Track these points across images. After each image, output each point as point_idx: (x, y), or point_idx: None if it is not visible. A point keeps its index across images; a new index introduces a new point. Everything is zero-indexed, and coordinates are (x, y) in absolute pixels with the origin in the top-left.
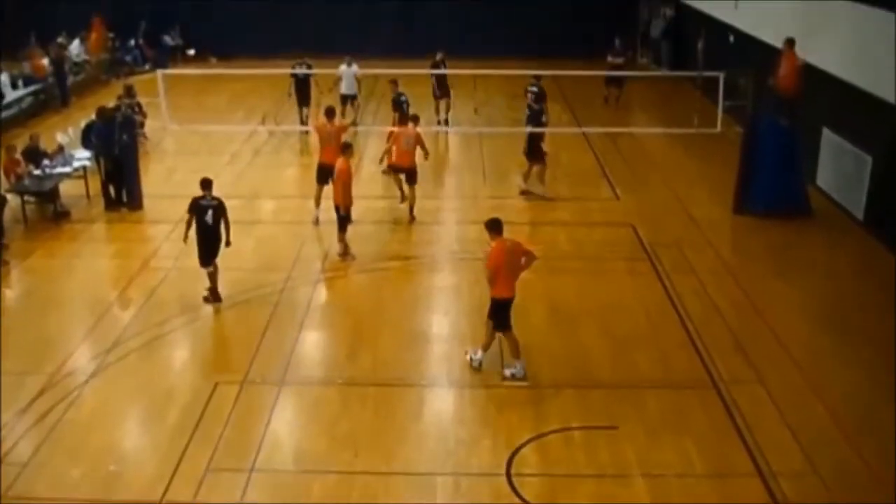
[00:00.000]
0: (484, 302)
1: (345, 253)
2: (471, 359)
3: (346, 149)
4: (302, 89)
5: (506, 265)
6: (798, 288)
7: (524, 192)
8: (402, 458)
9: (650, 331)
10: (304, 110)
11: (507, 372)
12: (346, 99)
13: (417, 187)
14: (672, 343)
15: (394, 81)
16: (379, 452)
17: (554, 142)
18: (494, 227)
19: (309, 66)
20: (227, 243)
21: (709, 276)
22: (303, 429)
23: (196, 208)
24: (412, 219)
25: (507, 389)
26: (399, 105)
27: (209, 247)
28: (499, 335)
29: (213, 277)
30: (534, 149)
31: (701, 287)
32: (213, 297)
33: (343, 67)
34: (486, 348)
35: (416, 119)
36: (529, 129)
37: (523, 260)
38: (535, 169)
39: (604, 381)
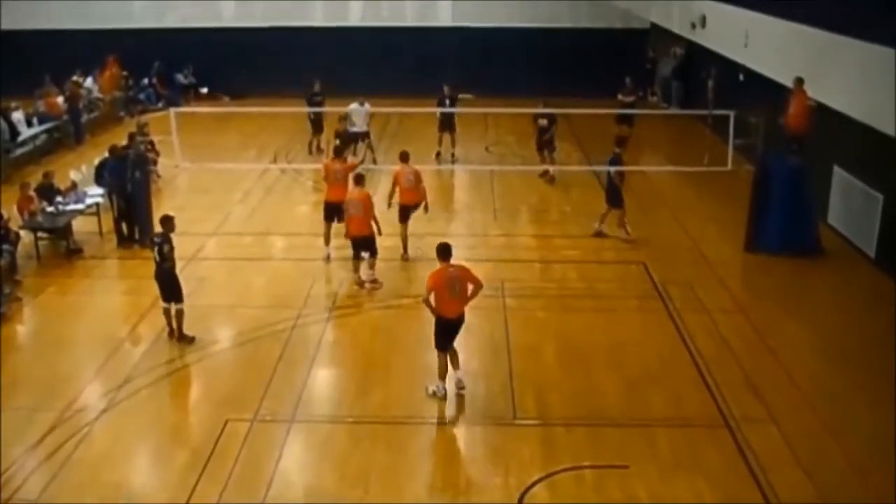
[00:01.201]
0: (495, 339)
1: (370, 281)
2: (433, 392)
3: (360, 180)
4: (314, 117)
5: (446, 289)
6: (810, 326)
7: (599, 234)
8: (413, 496)
9: (662, 369)
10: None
11: (430, 388)
12: (357, 137)
13: (429, 224)
14: (684, 381)
15: (344, 118)
16: (389, 490)
17: (564, 180)
18: (440, 252)
19: (315, 95)
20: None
21: (720, 314)
22: (313, 466)
23: (150, 243)
24: (406, 257)
25: (517, 427)
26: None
27: (159, 284)
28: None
29: (173, 316)
30: (620, 193)
31: (712, 325)
32: (179, 336)
33: (355, 106)
34: (441, 376)
35: (405, 156)
36: (612, 170)
37: (471, 287)
38: (616, 213)
39: (615, 420)
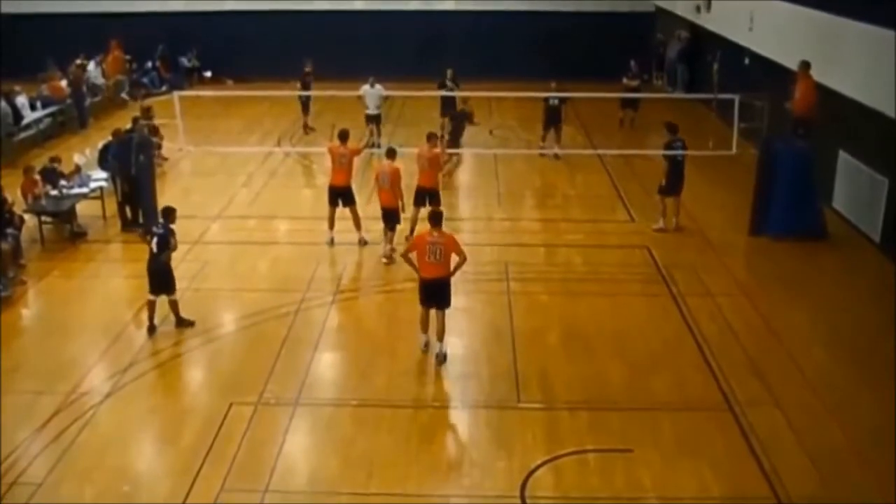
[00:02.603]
0: (499, 323)
1: (386, 255)
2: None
3: (392, 154)
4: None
5: (424, 253)
6: (814, 311)
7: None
8: (416, 480)
9: (665, 353)
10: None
11: (438, 349)
12: (371, 119)
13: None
14: (688, 365)
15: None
16: (393, 473)
17: (569, 164)
18: (430, 218)
19: (306, 75)
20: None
21: (724, 298)
22: (317, 450)
23: (148, 234)
24: None
25: (521, 411)
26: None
27: (152, 275)
28: None
29: (168, 305)
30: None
31: (717, 309)
32: (178, 322)
33: (366, 88)
34: (423, 329)
35: (431, 137)
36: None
37: (455, 258)
38: (672, 200)
39: (619, 404)
